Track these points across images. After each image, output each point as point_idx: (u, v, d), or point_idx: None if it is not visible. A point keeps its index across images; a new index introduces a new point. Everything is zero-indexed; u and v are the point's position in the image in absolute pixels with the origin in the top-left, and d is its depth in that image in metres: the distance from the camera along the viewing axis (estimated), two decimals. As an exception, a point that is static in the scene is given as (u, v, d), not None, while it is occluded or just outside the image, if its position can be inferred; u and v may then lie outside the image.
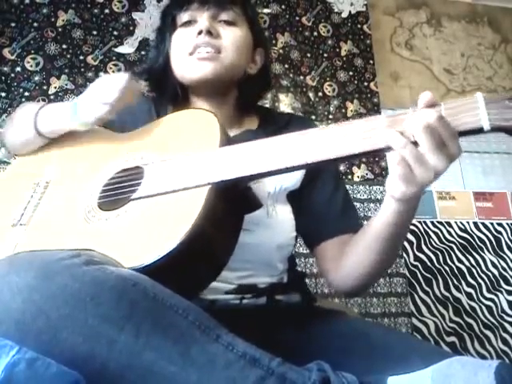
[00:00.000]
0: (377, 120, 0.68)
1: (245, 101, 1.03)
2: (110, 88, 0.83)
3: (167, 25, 1.00)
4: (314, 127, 1.08)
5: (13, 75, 2.05)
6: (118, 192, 0.79)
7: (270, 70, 1.09)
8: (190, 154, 0.76)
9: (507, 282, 2.27)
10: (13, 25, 2.11)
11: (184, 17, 0.97)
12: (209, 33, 0.93)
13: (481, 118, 0.62)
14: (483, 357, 2.08)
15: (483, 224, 2.35)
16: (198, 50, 0.92)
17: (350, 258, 0.87)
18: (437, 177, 0.65)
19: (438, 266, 2.22)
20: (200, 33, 0.93)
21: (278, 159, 0.70)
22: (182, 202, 0.71)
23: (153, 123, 0.90)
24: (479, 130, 0.63)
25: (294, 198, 0.96)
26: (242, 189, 0.76)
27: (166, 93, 1.01)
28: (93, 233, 0.75)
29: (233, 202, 0.75)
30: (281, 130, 0.98)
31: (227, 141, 0.77)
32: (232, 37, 0.95)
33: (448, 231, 2.30)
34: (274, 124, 1.02)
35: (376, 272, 0.86)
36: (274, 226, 0.91)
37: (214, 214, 0.69)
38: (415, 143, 0.64)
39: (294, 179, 0.95)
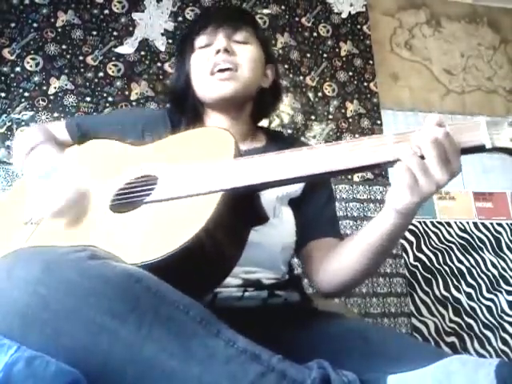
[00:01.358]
0: (385, 137, 0.72)
1: (259, 113, 1.10)
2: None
3: (187, 49, 1.07)
4: None
5: (12, 75, 2.05)
6: (132, 196, 0.81)
7: (280, 84, 1.17)
8: (203, 164, 0.78)
9: (507, 282, 2.27)
10: (12, 25, 2.11)
11: (201, 40, 1.04)
12: (226, 51, 1.00)
13: (482, 137, 0.68)
14: (483, 357, 2.07)
15: (483, 224, 2.35)
16: (218, 67, 0.99)
17: (335, 262, 0.90)
18: (438, 189, 0.70)
19: (437, 266, 2.23)
20: (218, 51, 1.00)
21: (289, 170, 0.74)
22: (193, 207, 0.73)
23: (168, 138, 0.93)
24: (481, 148, 0.69)
25: (294, 204, 1.00)
26: (252, 198, 0.78)
27: (185, 110, 1.07)
28: (103, 232, 0.76)
29: (242, 210, 0.77)
30: (285, 149, 1.03)
31: (240, 156, 0.80)
32: (246, 54, 1.02)
33: (448, 231, 2.30)
34: (279, 143, 1.06)
35: (359, 278, 0.90)
36: (280, 225, 0.94)
37: (224, 219, 0.71)
38: (421, 157, 0.69)
39: (297, 187, 1.00)
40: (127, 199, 0.81)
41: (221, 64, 0.99)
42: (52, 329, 0.54)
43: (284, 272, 0.96)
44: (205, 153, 0.83)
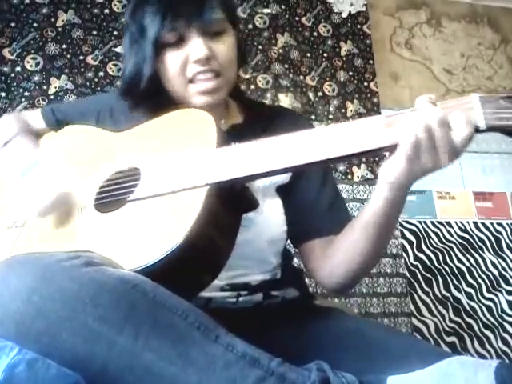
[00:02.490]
0: (375, 120, 0.69)
1: (232, 90, 0.99)
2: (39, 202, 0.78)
3: (150, 43, 0.88)
4: (303, 121, 1.09)
5: (13, 75, 2.05)
6: (115, 193, 0.79)
7: (242, 42, 1.03)
8: (186, 155, 0.76)
9: (507, 282, 2.27)
10: (13, 25, 2.11)
11: (171, 36, 0.87)
12: (207, 59, 0.87)
13: (476, 117, 0.64)
14: (483, 357, 2.08)
15: (483, 224, 2.35)
16: (198, 76, 0.88)
17: (335, 255, 0.87)
18: (435, 169, 0.66)
19: (437, 265, 2.22)
20: (198, 61, 0.87)
21: (277, 159, 0.70)
22: (180, 203, 0.71)
23: (148, 123, 0.89)
24: (475, 130, 0.64)
25: (283, 191, 0.95)
26: (239, 189, 0.76)
27: (151, 102, 0.94)
28: (89, 234, 0.74)
29: (231, 202, 0.75)
30: (268, 125, 0.97)
31: (224, 141, 0.77)
32: (227, 53, 0.90)
33: (448, 231, 2.30)
34: (260, 118, 0.99)
35: (362, 267, 0.85)
36: (263, 220, 0.90)
37: (213, 214, 0.69)
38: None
39: (285, 173, 0.93)
40: (111, 197, 0.79)
41: (201, 74, 0.87)
42: (47, 337, 0.53)
43: (275, 265, 0.93)
44: (187, 139, 0.80)
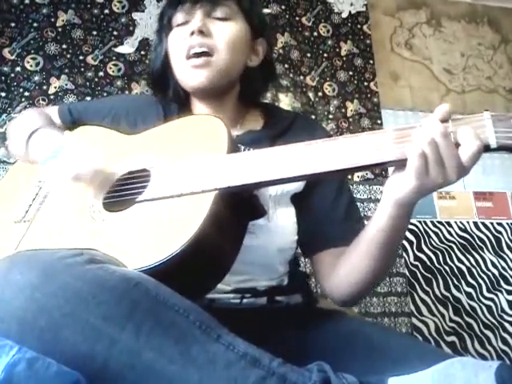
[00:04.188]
0: (384, 134, 0.69)
1: (247, 95, 1.03)
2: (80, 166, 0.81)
3: (164, 26, 1.00)
4: (319, 128, 1.10)
5: (13, 75, 2.05)
6: (124, 194, 0.79)
7: (272, 60, 1.08)
8: (197, 160, 0.76)
9: (507, 282, 2.27)
10: (13, 25, 2.11)
11: (179, 17, 0.96)
12: (201, 32, 0.92)
13: (488, 135, 0.64)
14: (483, 357, 2.08)
15: (483, 224, 2.35)
16: (192, 50, 0.92)
17: (344, 266, 0.86)
18: (445, 185, 0.67)
19: (437, 265, 2.22)
20: (192, 33, 0.92)
21: (286, 168, 0.71)
22: (187, 207, 0.71)
23: (161, 127, 0.91)
24: (486, 148, 0.65)
25: (298, 200, 0.95)
26: (247, 196, 0.77)
27: (168, 93, 1.02)
28: (97, 232, 0.75)
29: (238, 208, 0.75)
30: (285, 131, 0.99)
31: (235, 148, 0.78)
32: (225, 34, 0.93)
33: (448, 231, 2.30)
34: (278, 125, 1.01)
35: (369, 280, 0.85)
36: (275, 229, 0.90)
37: (219, 219, 0.70)
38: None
39: (298, 182, 0.94)
40: (120, 197, 0.79)
41: (196, 47, 0.91)
42: (49, 334, 0.53)
43: (282, 273, 0.93)
44: (198, 145, 0.81)
